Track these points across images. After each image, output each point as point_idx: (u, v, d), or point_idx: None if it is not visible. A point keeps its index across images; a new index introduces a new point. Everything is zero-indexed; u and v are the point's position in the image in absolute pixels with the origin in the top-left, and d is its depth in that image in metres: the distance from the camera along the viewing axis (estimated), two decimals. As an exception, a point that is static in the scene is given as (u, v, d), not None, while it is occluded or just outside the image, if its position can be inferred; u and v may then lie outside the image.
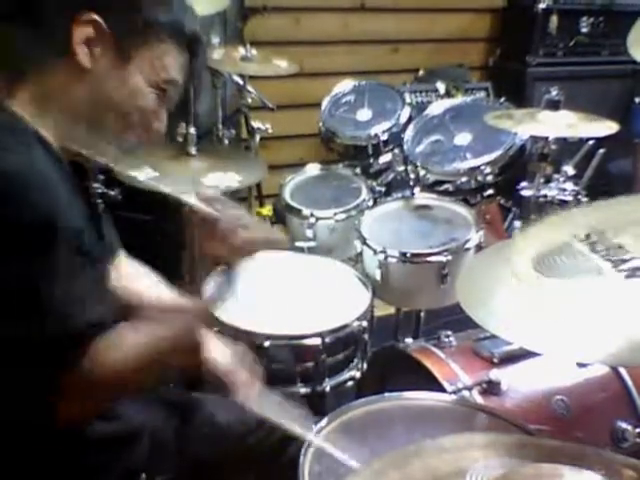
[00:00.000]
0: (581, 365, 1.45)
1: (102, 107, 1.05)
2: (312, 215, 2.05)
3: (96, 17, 0.99)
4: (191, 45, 1.10)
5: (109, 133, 1.08)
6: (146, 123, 1.11)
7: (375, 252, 1.75)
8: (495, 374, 1.37)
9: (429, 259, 1.71)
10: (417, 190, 2.04)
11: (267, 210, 2.66)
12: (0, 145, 0.94)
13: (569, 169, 1.90)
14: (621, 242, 0.86)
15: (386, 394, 1.26)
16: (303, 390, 1.51)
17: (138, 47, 1.04)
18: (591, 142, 1.97)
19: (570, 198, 1.86)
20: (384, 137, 2.27)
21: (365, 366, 1.62)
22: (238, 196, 2.82)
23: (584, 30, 3.51)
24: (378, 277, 1.74)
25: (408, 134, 2.17)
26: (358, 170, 2.31)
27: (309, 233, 2.04)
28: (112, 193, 1.88)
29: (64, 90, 1.02)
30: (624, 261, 0.82)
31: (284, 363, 1.49)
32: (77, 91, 1.02)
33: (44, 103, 1.01)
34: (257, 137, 2.50)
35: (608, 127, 1.75)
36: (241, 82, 2.46)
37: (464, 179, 1.98)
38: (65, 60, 1.00)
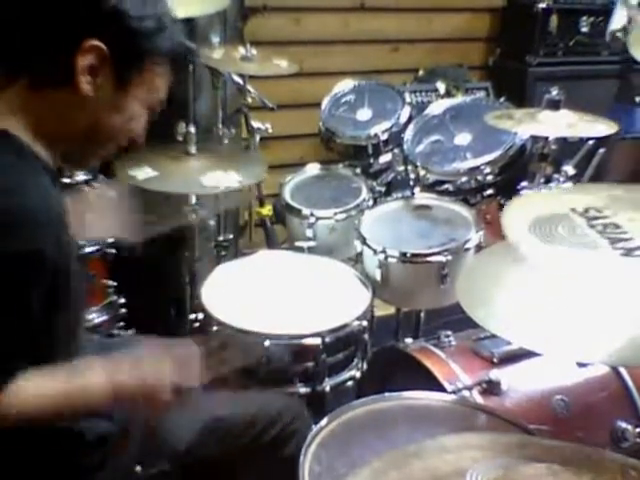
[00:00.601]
0: (581, 365, 1.45)
1: (98, 132, 1.04)
2: (312, 215, 2.05)
3: (100, 44, 0.97)
4: (180, 62, 1.11)
5: (96, 150, 1.09)
6: (130, 137, 1.11)
7: (375, 252, 1.75)
8: (495, 374, 1.37)
9: (429, 259, 1.71)
10: (417, 190, 2.04)
11: (267, 210, 2.66)
12: (15, 180, 0.94)
13: (569, 169, 1.90)
14: (618, 222, 0.86)
15: (386, 394, 1.26)
16: (303, 390, 1.51)
17: (137, 73, 1.03)
18: (591, 142, 1.97)
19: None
20: (384, 137, 2.27)
21: (365, 366, 1.62)
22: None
23: (584, 30, 3.51)
24: (378, 277, 1.74)
25: (408, 134, 2.16)
26: (358, 170, 2.31)
27: (309, 233, 2.04)
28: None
29: (63, 115, 1.01)
30: (621, 240, 0.82)
31: (284, 363, 1.49)
32: (76, 117, 1.01)
33: (40, 125, 1.00)
34: (257, 137, 2.49)
35: (608, 127, 1.75)
36: (241, 82, 2.45)
37: (464, 179, 1.98)
38: (67, 87, 0.98)
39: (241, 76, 2.45)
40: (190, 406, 1.24)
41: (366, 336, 1.59)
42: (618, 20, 2.87)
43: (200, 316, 1.61)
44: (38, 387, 0.95)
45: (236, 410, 1.27)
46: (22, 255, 0.90)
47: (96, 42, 0.96)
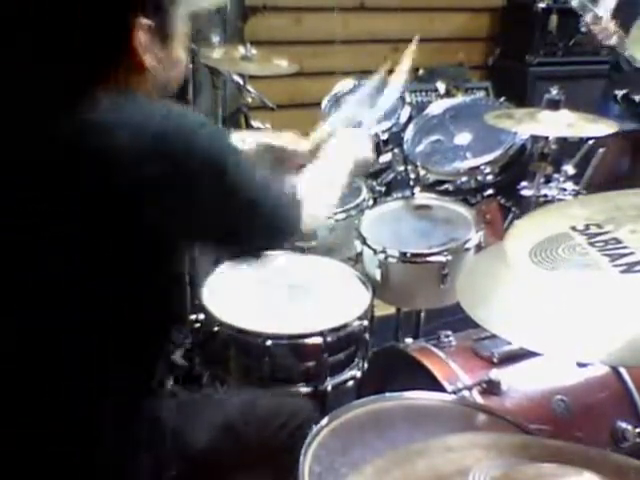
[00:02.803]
0: (581, 365, 1.45)
1: (161, 91, 1.08)
2: (312, 215, 2.04)
3: (145, 21, 0.99)
4: None
5: None
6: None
7: (375, 252, 1.75)
8: (495, 374, 1.37)
9: (429, 259, 1.71)
10: (417, 190, 2.04)
11: (267, 209, 2.66)
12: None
13: (569, 169, 1.91)
14: (619, 236, 0.86)
15: (386, 394, 1.26)
16: (304, 389, 1.51)
17: (172, 24, 1.05)
18: (591, 142, 1.98)
19: (570, 198, 1.87)
20: (384, 137, 2.26)
21: (366, 366, 1.62)
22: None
23: (584, 29, 3.51)
24: (378, 277, 1.73)
25: (408, 134, 2.16)
26: (358, 170, 2.31)
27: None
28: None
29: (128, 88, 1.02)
30: (621, 255, 0.82)
31: (286, 362, 1.49)
32: (140, 87, 1.03)
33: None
34: (257, 136, 2.49)
35: (608, 127, 1.75)
36: (241, 81, 2.46)
37: (464, 179, 1.98)
38: (124, 64, 1.01)
39: (241, 76, 2.45)
40: (205, 408, 1.24)
41: (367, 335, 1.59)
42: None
43: (201, 316, 1.61)
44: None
45: (249, 412, 1.26)
46: None
47: (143, 21, 0.99)
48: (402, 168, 2.17)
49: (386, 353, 1.63)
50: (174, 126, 0.98)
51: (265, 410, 1.28)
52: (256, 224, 1.11)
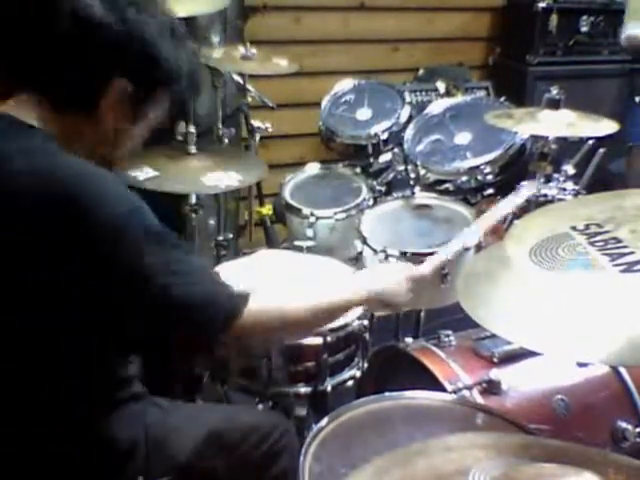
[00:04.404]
0: (581, 364, 1.45)
1: (103, 149, 1.08)
2: (312, 214, 2.05)
3: (125, 84, 1.01)
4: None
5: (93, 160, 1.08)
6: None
7: (375, 252, 1.75)
8: (495, 374, 1.37)
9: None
10: (417, 189, 2.04)
11: (267, 209, 2.66)
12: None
13: (569, 168, 1.90)
14: (619, 236, 0.86)
15: (386, 394, 1.26)
16: (304, 390, 1.51)
17: (151, 104, 1.08)
18: (591, 142, 1.98)
19: (570, 198, 1.87)
20: (384, 136, 2.27)
21: (366, 365, 1.62)
22: (238, 195, 2.82)
23: (584, 29, 3.51)
24: (378, 277, 1.73)
25: (408, 133, 2.16)
26: (358, 169, 2.31)
27: (309, 232, 2.03)
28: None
29: (74, 133, 1.03)
30: (621, 255, 0.82)
31: (286, 363, 1.49)
32: (87, 137, 1.05)
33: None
34: (257, 136, 2.49)
35: (608, 126, 1.75)
36: (241, 81, 2.46)
37: (464, 178, 1.98)
38: (87, 114, 1.03)
39: (241, 75, 2.45)
40: (191, 418, 1.24)
41: (367, 335, 1.59)
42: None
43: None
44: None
45: (231, 424, 1.26)
46: None
47: (124, 82, 1.02)
48: (402, 167, 2.17)
49: (386, 353, 1.63)
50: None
51: (247, 422, 1.28)
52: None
